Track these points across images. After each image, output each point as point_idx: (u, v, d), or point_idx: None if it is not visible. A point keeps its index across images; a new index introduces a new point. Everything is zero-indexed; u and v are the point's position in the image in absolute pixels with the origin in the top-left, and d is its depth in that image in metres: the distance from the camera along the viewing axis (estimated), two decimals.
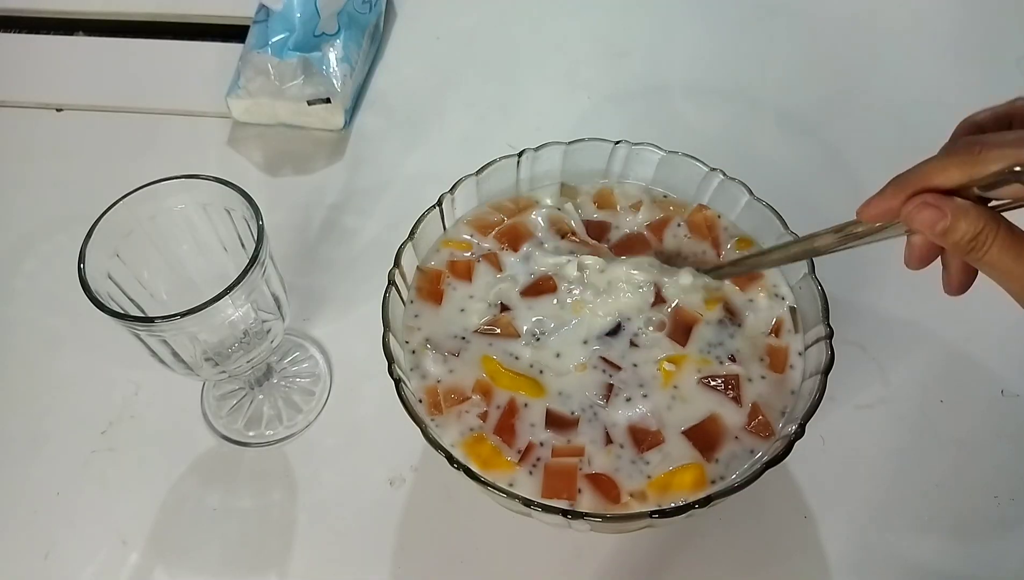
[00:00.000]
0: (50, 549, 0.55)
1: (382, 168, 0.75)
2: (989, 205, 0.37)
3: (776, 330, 0.52)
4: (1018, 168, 0.34)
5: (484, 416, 0.49)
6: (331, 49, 0.74)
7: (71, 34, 0.88)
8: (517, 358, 0.52)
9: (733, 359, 0.51)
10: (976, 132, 0.39)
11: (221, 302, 0.45)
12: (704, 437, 0.48)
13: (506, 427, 0.49)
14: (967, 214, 0.36)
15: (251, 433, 0.59)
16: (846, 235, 0.43)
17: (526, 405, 0.49)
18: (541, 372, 0.51)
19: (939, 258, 0.41)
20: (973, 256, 0.37)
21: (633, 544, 0.54)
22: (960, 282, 0.40)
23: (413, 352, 0.52)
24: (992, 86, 0.79)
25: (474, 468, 0.46)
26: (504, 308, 0.53)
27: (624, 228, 0.57)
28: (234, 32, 0.83)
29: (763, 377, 0.50)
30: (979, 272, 0.39)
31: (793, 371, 0.50)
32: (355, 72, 0.77)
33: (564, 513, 0.43)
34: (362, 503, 0.56)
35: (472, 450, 0.48)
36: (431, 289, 0.54)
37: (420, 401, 0.50)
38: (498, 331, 0.52)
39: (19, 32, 0.88)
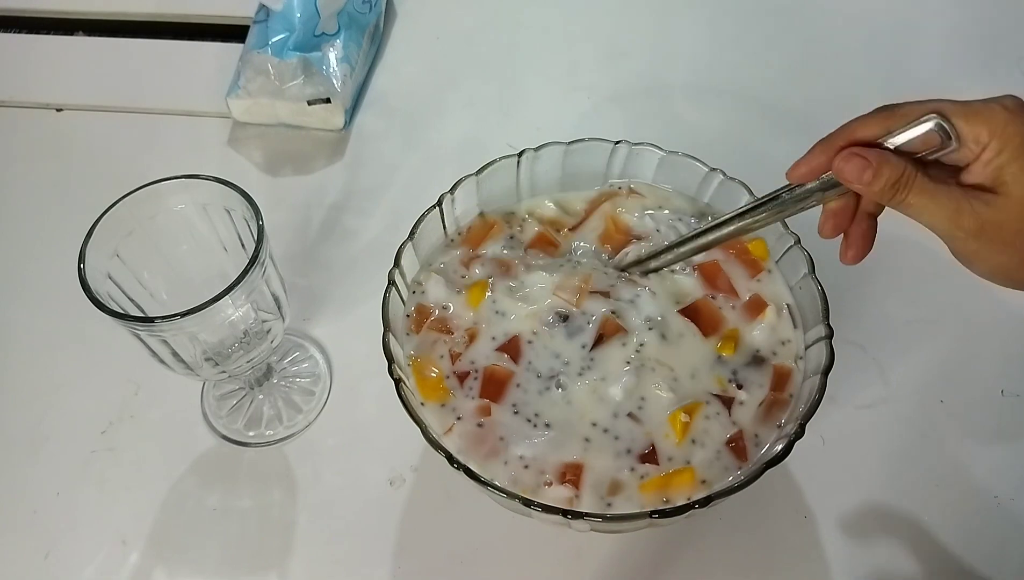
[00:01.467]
0: (50, 549, 0.55)
1: (382, 168, 0.75)
2: None
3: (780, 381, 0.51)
4: (933, 115, 0.39)
5: (455, 357, 0.51)
6: (331, 49, 0.74)
7: (71, 34, 0.88)
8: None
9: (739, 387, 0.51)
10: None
11: (221, 302, 0.45)
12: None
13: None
14: (888, 161, 0.40)
15: (251, 433, 0.59)
16: (772, 207, 0.47)
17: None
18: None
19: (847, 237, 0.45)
20: (896, 199, 0.41)
21: (633, 544, 0.54)
22: (859, 249, 0.44)
23: (419, 283, 0.54)
24: (992, 86, 0.79)
25: (415, 394, 0.49)
26: None
27: None
28: (234, 32, 0.83)
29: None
30: (873, 245, 0.44)
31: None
32: (355, 72, 0.77)
33: (564, 513, 0.43)
34: (362, 503, 0.56)
35: (418, 369, 0.51)
36: (478, 235, 0.57)
37: (408, 315, 0.53)
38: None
39: (19, 32, 0.88)
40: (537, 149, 0.57)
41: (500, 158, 0.56)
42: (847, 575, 0.53)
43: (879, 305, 0.64)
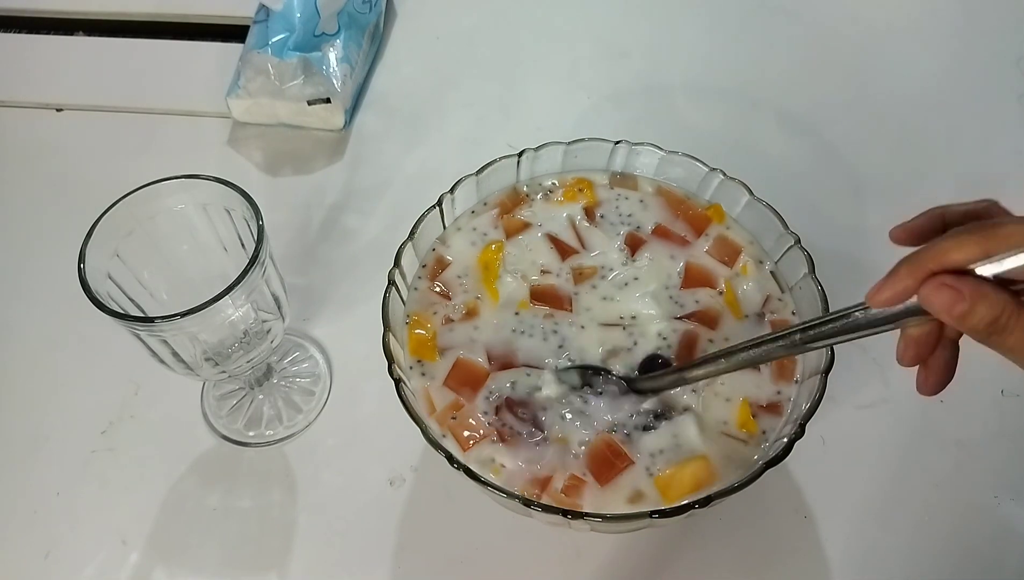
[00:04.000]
0: (50, 549, 0.55)
1: (382, 168, 0.75)
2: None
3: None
4: None
5: (448, 321, 0.53)
6: (331, 49, 0.74)
7: (71, 34, 0.88)
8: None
9: None
10: (942, 223, 0.39)
11: (221, 302, 0.45)
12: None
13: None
14: (986, 297, 0.34)
15: (251, 433, 0.59)
16: (843, 326, 0.40)
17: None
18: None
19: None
20: (993, 340, 0.35)
21: (633, 544, 0.54)
22: (938, 381, 0.40)
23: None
24: (992, 86, 0.79)
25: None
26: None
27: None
28: (234, 32, 0.83)
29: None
30: (955, 374, 0.39)
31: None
32: (355, 72, 0.77)
33: (564, 513, 0.43)
34: (362, 503, 0.56)
35: (414, 327, 0.52)
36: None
37: (424, 265, 0.55)
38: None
39: (19, 32, 0.88)
40: (537, 149, 0.57)
41: (500, 158, 0.56)
42: (847, 575, 0.53)
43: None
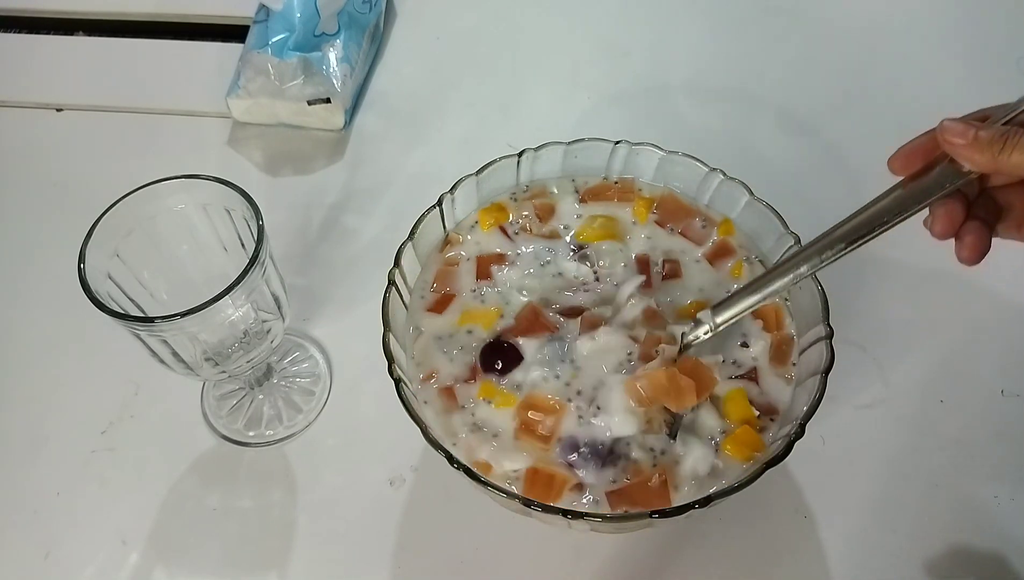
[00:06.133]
0: (50, 549, 0.55)
1: (382, 168, 0.75)
2: None
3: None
4: None
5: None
6: (331, 49, 0.74)
7: (71, 34, 0.88)
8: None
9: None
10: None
11: (221, 302, 0.45)
12: None
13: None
14: (989, 124, 0.40)
15: (251, 433, 0.59)
16: (871, 217, 0.44)
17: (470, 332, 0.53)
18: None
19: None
20: (1001, 160, 0.39)
21: (633, 544, 0.54)
22: (973, 250, 0.42)
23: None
24: (992, 86, 0.79)
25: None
26: None
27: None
28: (234, 32, 0.83)
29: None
30: (990, 247, 0.42)
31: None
32: (355, 72, 0.77)
33: (564, 513, 0.43)
34: (362, 503, 0.56)
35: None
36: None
37: (441, 248, 0.56)
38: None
39: (19, 32, 0.88)
40: (537, 149, 0.57)
41: (500, 158, 0.56)
42: (847, 575, 0.53)
43: (879, 305, 0.64)
